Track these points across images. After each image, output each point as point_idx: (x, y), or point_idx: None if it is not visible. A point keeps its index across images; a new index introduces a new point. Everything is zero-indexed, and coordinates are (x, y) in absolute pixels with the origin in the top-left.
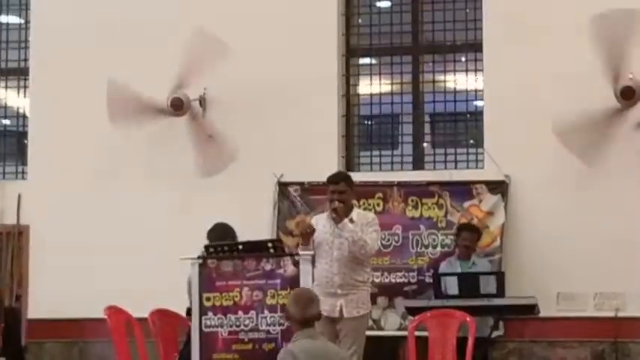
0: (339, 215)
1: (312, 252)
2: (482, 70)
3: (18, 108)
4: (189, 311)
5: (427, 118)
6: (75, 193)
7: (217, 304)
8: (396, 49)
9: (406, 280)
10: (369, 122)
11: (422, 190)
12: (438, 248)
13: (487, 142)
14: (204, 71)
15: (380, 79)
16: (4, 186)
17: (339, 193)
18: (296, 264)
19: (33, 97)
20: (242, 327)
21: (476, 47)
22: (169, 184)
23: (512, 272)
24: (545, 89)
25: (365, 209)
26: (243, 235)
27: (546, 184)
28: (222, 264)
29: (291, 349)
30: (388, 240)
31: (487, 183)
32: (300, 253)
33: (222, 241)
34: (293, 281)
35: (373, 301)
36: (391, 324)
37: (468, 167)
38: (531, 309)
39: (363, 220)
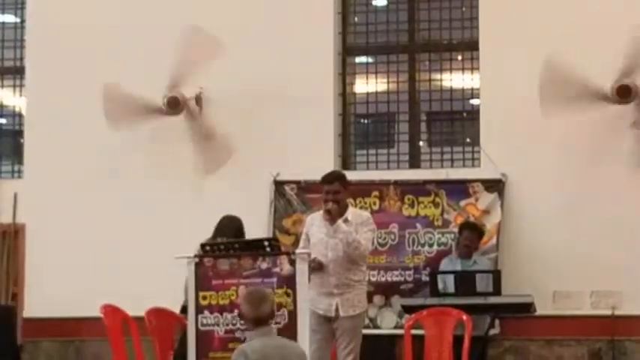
0: (333, 217)
1: (308, 251)
2: (478, 69)
3: (14, 107)
4: (184, 309)
5: (423, 117)
6: (71, 191)
7: (214, 302)
8: (392, 47)
9: (402, 279)
10: (366, 121)
11: (418, 189)
12: (435, 247)
13: (483, 141)
14: (199, 69)
15: (376, 78)
16: (0, 185)
17: (334, 193)
18: (292, 263)
19: (29, 96)
20: (238, 326)
21: (472, 46)
22: (166, 182)
23: (509, 271)
24: (541, 87)
25: (361, 208)
26: None
27: (542, 183)
28: (218, 262)
29: (244, 348)
30: (384, 238)
31: (483, 181)
32: (297, 251)
33: (229, 233)
34: (289, 280)
35: (369, 300)
36: (387, 322)
37: (464, 166)
38: (528, 307)
39: (357, 219)
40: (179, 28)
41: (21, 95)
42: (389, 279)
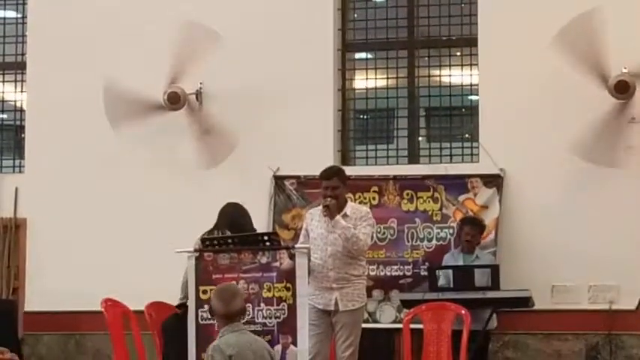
0: (331, 212)
1: (308, 245)
2: (477, 65)
3: (15, 102)
4: (179, 306)
5: (422, 113)
6: (72, 186)
7: None
8: (391, 43)
9: (401, 274)
10: (365, 116)
11: (417, 184)
12: (434, 241)
13: (482, 136)
14: (199, 64)
15: (375, 74)
16: (1, 179)
17: (332, 188)
18: (292, 257)
19: (30, 91)
20: None
21: (471, 42)
22: (166, 177)
23: (507, 265)
24: (539, 83)
25: (360, 203)
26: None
27: (541, 178)
28: (218, 257)
29: (218, 344)
30: (384, 233)
31: (482, 177)
32: (297, 246)
33: (233, 221)
34: (289, 274)
35: (369, 294)
36: (386, 317)
37: (463, 161)
38: (526, 302)
39: (357, 214)
40: (179, 23)
41: (22, 90)
42: (388, 273)
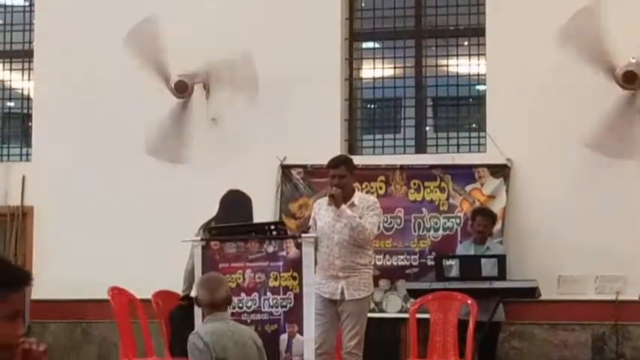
0: (336, 201)
1: (314, 234)
2: (484, 55)
3: (22, 90)
4: (183, 298)
5: (430, 102)
6: (79, 174)
7: None
8: (399, 33)
9: (408, 263)
10: (372, 106)
11: (424, 174)
12: (440, 231)
13: (489, 126)
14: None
15: (383, 63)
16: (9, 168)
17: (339, 177)
18: (299, 246)
19: (37, 80)
20: (245, 309)
21: (479, 32)
22: (173, 166)
23: (514, 255)
24: (547, 74)
25: (367, 192)
26: None
27: (548, 168)
28: (225, 246)
29: (198, 331)
30: (390, 223)
31: (489, 166)
32: (303, 235)
33: (228, 210)
34: (295, 263)
35: (375, 284)
36: (393, 306)
37: (470, 151)
38: (532, 292)
39: (364, 203)
40: (187, 15)
41: (29, 79)
42: (394, 263)
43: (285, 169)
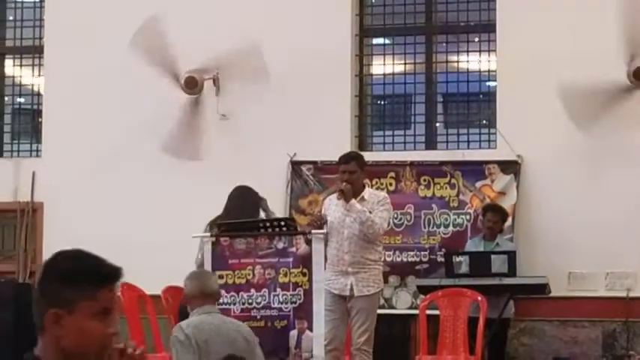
0: (346, 196)
1: (324, 230)
2: (495, 51)
3: (33, 86)
4: None
5: (440, 98)
6: (89, 170)
7: (230, 282)
8: (409, 29)
9: (418, 259)
10: (382, 102)
11: (434, 170)
12: (450, 227)
13: (500, 123)
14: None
15: (393, 59)
16: (19, 163)
17: (350, 173)
18: (308, 242)
19: (48, 75)
20: (254, 305)
21: (489, 28)
22: (182, 162)
23: (524, 252)
24: (558, 70)
25: (377, 189)
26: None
27: (558, 165)
28: (235, 242)
29: (181, 324)
30: (400, 219)
31: (499, 163)
32: (313, 231)
33: (234, 205)
34: (305, 259)
35: (385, 280)
36: (403, 303)
37: (480, 147)
38: (542, 288)
39: (374, 198)
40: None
41: (40, 75)
42: (404, 259)
43: (295, 166)
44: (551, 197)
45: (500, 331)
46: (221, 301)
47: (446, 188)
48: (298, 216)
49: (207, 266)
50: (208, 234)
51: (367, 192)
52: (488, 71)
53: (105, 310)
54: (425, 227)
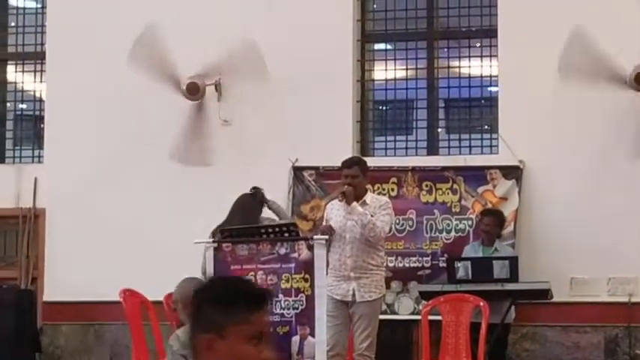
0: (348, 198)
1: (326, 237)
2: (496, 56)
3: (35, 92)
4: None
5: (442, 104)
6: (91, 176)
7: None
8: (411, 34)
9: (420, 265)
10: (384, 107)
11: (436, 175)
12: (452, 233)
13: (501, 128)
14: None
15: (395, 65)
16: (21, 169)
17: (352, 177)
18: (310, 248)
19: (49, 81)
20: None
21: (491, 33)
22: (184, 168)
23: (526, 257)
24: (558, 75)
25: (379, 194)
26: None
27: (560, 170)
28: (237, 248)
29: (177, 332)
30: (402, 225)
31: (501, 168)
32: (315, 237)
33: (243, 210)
34: (307, 265)
35: (387, 286)
36: (405, 308)
37: (482, 153)
38: (544, 294)
39: (376, 203)
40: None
41: (42, 80)
42: (406, 265)
43: (297, 171)
44: (552, 202)
45: (501, 336)
46: None
47: (448, 194)
48: (300, 221)
49: (210, 272)
50: (211, 240)
51: (369, 197)
52: (490, 76)
53: (259, 335)
54: (427, 233)
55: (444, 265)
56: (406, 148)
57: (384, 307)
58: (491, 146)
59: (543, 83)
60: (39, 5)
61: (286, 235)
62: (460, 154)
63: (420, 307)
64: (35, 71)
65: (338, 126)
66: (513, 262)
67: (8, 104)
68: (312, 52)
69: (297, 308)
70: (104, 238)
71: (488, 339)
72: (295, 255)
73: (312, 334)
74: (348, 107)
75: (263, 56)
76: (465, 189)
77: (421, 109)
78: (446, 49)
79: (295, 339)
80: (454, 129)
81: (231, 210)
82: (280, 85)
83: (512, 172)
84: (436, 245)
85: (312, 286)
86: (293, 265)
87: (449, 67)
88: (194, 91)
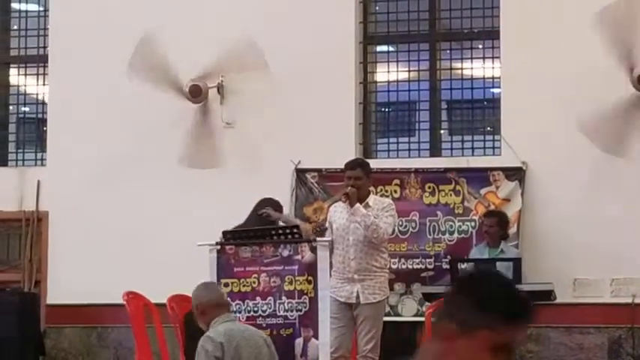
0: (351, 200)
1: (330, 238)
2: (499, 58)
3: (37, 95)
4: None
5: (444, 105)
6: (93, 179)
7: (235, 290)
8: (413, 36)
9: (423, 267)
10: (387, 109)
11: (439, 177)
12: (455, 234)
13: (504, 129)
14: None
15: (397, 67)
16: (24, 172)
17: (355, 178)
18: (313, 250)
19: (52, 84)
20: (260, 313)
21: (493, 34)
22: (187, 170)
23: (529, 258)
24: (561, 76)
25: (382, 196)
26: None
27: (563, 171)
28: (240, 250)
29: (208, 334)
30: (405, 226)
31: (504, 170)
32: (318, 239)
33: (251, 214)
34: (310, 267)
35: (390, 288)
36: (408, 310)
37: (484, 154)
38: (548, 295)
39: (379, 205)
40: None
41: (44, 84)
42: (409, 267)
43: (300, 173)
44: (555, 203)
45: None
46: None
47: (450, 195)
48: (303, 223)
49: (213, 274)
50: (213, 242)
51: (372, 198)
52: (492, 78)
53: (504, 347)
54: (430, 234)
55: (447, 266)
56: (409, 149)
57: (387, 308)
58: (493, 148)
59: (545, 84)
60: (41, 8)
61: (290, 237)
62: (463, 155)
63: (424, 309)
64: (38, 74)
65: (340, 128)
66: (517, 263)
67: (11, 107)
68: (315, 54)
69: (301, 310)
70: (107, 241)
71: None
72: (298, 257)
73: (316, 336)
74: (350, 109)
75: (265, 59)
76: (467, 190)
77: (423, 110)
78: (448, 51)
79: (299, 341)
80: (457, 130)
81: (250, 214)
82: (283, 87)
83: (515, 174)
84: (439, 247)
85: (315, 288)
86: (296, 267)
87: (451, 68)
88: (196, 94)
